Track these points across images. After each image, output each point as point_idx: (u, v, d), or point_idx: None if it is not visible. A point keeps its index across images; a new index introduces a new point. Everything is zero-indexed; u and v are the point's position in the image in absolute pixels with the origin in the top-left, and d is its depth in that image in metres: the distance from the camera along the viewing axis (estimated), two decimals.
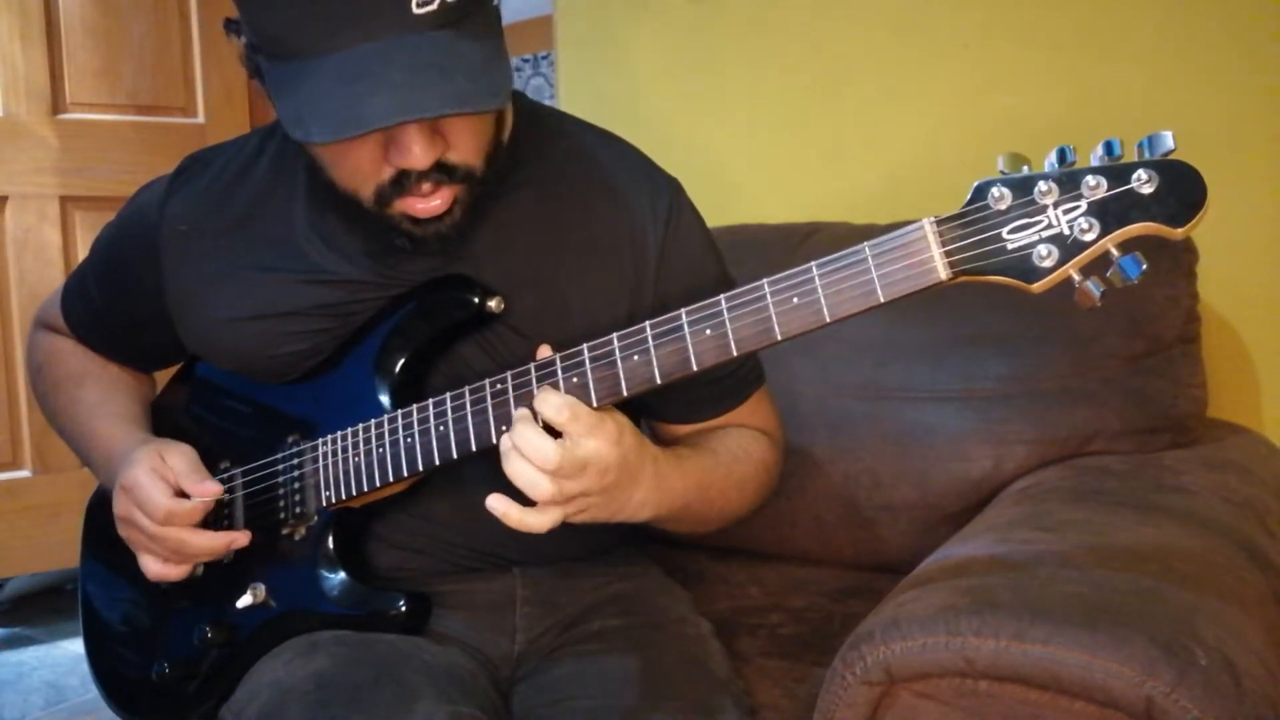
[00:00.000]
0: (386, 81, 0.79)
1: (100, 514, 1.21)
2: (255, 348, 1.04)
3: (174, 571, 1.03)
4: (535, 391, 0.86)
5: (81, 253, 1.99)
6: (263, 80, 0.89)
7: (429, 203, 0.90)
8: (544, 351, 0.89)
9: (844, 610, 1.23)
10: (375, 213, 0.92)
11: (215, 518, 1.06)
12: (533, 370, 0.87)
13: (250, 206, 1.06)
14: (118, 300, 1.14)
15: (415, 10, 0.80)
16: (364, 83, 0.79)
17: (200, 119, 2.35)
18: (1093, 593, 0.79)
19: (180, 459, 1.02)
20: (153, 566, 1.03)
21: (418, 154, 0.85)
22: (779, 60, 1.80)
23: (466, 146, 0.89)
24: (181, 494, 1.01)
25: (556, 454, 0.81)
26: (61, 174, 2.20)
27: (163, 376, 1.24)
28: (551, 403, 0.83)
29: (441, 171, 0.88)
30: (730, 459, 1.01)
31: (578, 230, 1.01)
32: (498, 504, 0.84)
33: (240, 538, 1.01)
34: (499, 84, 0.84)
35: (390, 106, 0.79)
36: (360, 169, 0.89)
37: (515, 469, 0.83)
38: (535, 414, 0.84)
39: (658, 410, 1.08)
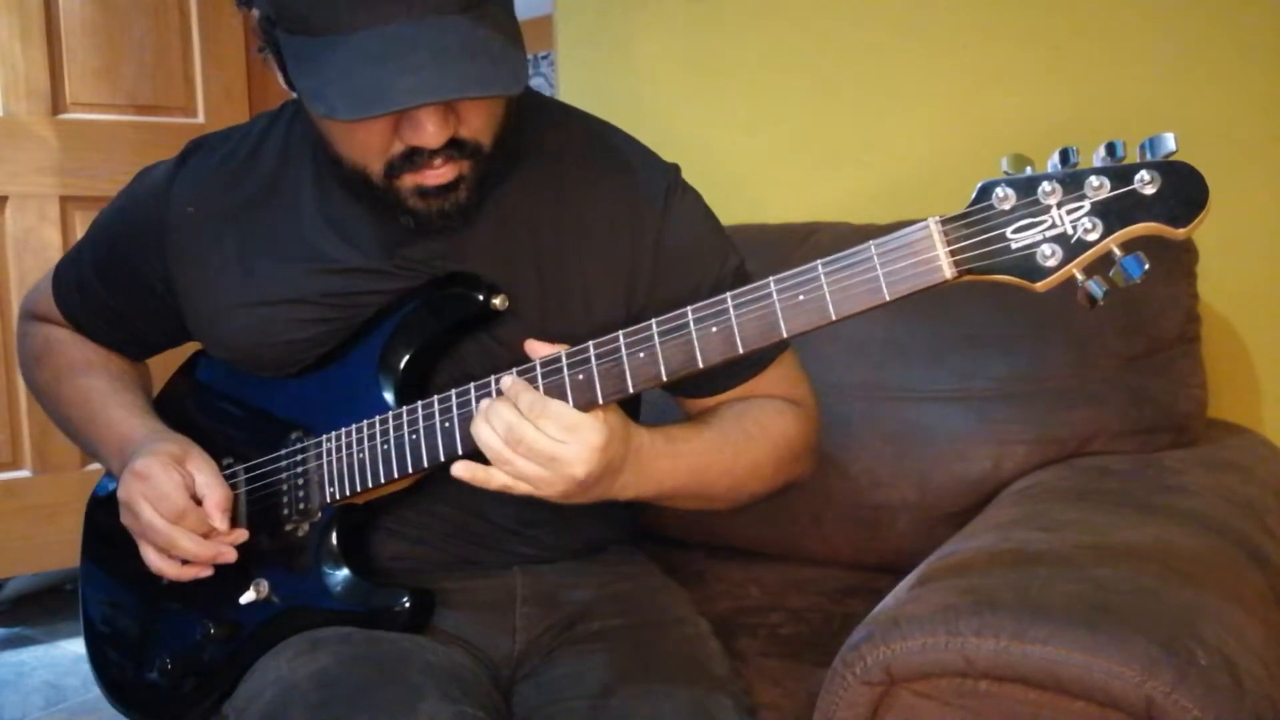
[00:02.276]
0: (412, 62, 0.81)
1: (100, 513, 1.20)
2: (257, 335, 1.04)
3: (170, 567, 1.02)
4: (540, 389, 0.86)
5: None
6: (276, 54, 0.89)
7: (438, 173, 0.91)
8: (538, 349, 0.89)
9: (844, 610, 1.23)
10: (382, 187, 0.92)
11: None
12: (538, 367, 0.87)
13: (257, 191, 1.06)
14: (118, 283, 1.13)
15: None
16: (390, 63, 0.81)
17: (200, 119, 2.35)
18: (1093, 593, 0.79)
19: (206, 472, 1.02)
20: (153, 557, 1.02)
21: (431, 132, 0.87)
22: (779, 60, 1.80)
23: (477, 124, 0.91)
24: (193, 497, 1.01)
25: (519, 429, 0.83)
26: (61, 174, 2.20)
27: (159, 375, 1.23)
28: (524, 400, 0.84)
29: (452, 147, 0.89)
30: (742, 438, 0.98)
31: (576, 216, 1.01)
32: (462, 470, 0.87)
33: (229, 553, 1.01)
34: (519, 69, 0.85)
35: (415, 87, 0.80)
36: (371, 144, 0.90)
37: (477, 428, 0.86)
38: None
39: (675, 385, 1.04)
